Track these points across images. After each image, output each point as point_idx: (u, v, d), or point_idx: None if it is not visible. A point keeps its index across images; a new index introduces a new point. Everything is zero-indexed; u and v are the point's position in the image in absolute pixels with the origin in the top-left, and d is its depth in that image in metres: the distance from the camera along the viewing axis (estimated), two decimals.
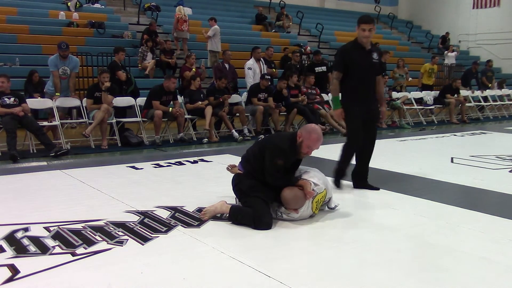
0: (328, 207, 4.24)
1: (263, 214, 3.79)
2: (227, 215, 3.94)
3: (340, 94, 4.94)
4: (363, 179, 5.11)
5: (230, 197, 4.28)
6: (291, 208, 3.91)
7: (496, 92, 14.62)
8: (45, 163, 6.48)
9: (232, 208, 3.97)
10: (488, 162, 6.60)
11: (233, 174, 4.37)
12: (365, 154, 5.08)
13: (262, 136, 8.95)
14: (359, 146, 4.99)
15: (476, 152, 7.41)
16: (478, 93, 13.96)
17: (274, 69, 11.05)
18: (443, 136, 9.60)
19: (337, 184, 5.08)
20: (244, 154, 4.30)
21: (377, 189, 5.00)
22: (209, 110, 8.58)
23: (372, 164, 6.27)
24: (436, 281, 2.89)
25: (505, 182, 5.48)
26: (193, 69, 10.11)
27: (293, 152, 3.96)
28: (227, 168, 4.67)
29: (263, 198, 3.88)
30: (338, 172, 5.09)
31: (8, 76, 7.31)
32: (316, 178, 4.05)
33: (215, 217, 3.99)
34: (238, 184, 4.09)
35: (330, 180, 4.29)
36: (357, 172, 5.12)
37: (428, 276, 2.96)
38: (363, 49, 4.82)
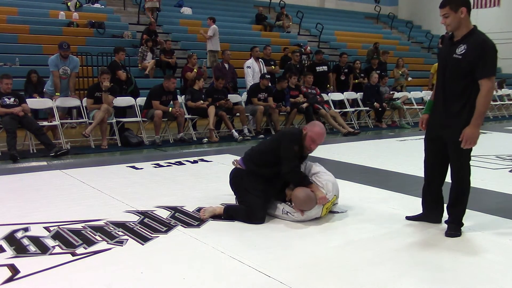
0: (332, 210, 4.22)
1: (256, 209, 3.90)
2: (223, 216, 3.99)
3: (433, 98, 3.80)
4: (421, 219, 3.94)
5: (230, 196, 4.29)
6: (300, 209, 3.92)
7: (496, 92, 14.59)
8: (45, 163, 6.48)
9: (226, 207, 4.05)
10: (488, 162, 6.59)
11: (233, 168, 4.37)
12: (431, 192, 3.90)
13: (263, 136, 9.00)
14: (428, 171, 3.98)
15: (476, 152, 7.36)
16: None
17: (273, 66, 10.97)
18: None
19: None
20: (248, 151, 4.33)
21: None
22: (212, 110, 8.59)
23: (372, 164, 6.28)
24: (436, 281, 2.89)
25: (505, 182, 5.47)
26: (195, 70, 10.11)
27: (301, 143, 4.07)
28: (233, 162, 4.65)
29: (259, 195, 3.95)
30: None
31: (11, 76, 7.32)
32: (329, 185, 4.04)
33: (214, 217, 4.00)
34: (239, 181, 4.13)
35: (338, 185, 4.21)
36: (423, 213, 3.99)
37: (428, 276, 2.96)
38: (451, 39, 3.57)
